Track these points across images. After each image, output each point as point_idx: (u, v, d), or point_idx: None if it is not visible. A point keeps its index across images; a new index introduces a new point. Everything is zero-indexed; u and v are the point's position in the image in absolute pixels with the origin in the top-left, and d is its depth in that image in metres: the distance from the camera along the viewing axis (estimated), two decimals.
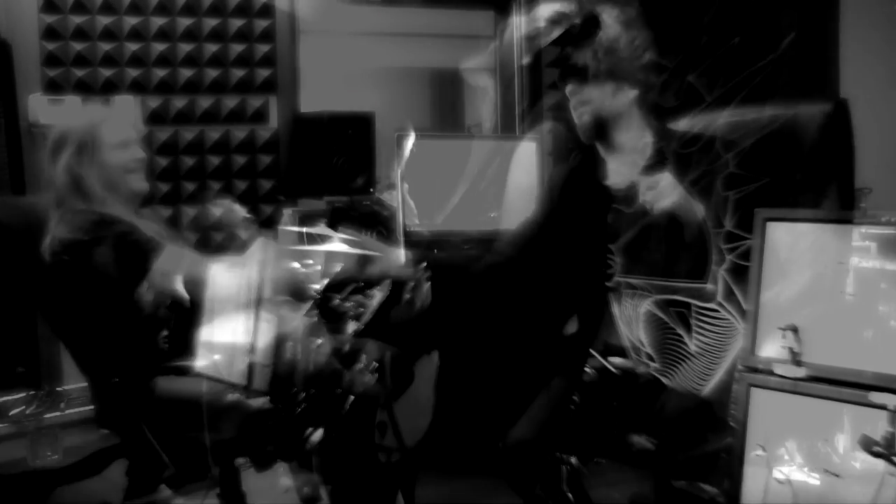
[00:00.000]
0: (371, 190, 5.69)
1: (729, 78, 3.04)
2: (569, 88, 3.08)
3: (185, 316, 3.41)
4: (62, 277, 3.34)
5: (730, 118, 2.97)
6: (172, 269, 3.35)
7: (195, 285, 3.34)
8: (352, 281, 3.49)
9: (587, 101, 3.02)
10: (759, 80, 3.05)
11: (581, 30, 2.88)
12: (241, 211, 3.83)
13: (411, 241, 4.22)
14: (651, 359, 3.05)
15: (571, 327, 3.30)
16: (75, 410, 4.89)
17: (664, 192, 2.90)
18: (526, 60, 2.65)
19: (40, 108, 5.35)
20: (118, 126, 3.70)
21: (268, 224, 5.82)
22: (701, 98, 3.03)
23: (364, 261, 3.34)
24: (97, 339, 3.45)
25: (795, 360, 2.62)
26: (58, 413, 4.98)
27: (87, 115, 3.85)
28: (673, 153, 2.99)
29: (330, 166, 5.60)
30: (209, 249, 4.86)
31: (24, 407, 4.96)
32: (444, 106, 7.34)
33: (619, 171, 3.14)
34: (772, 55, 3.02)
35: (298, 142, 5.81)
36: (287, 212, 5.46)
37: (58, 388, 5.09)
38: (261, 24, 5.89)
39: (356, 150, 5.67)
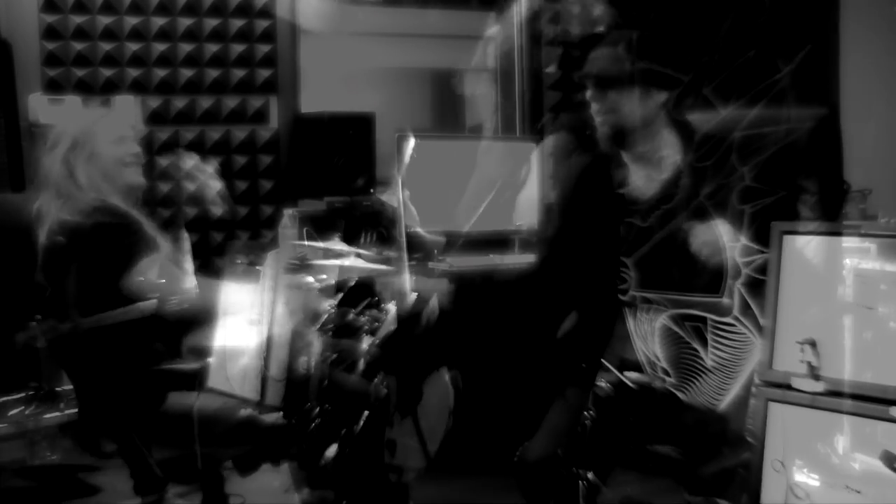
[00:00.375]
0: (371, 190, 5.68)
1: (745, 90, 3.03)
2: (590, 94, 3.05)
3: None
4: (53, 260, 3.32)
5: (746, 131, 2.96)
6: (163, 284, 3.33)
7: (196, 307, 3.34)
8: (367, 295, 3.49)
9: (612, 109, 3.00)
10: (776, 92, 3.04)
11: (604, 35, 2.87)
12: (215, 184, 3.80)
13: (413, 245, 4.20)
14: (667, 374, 3.05)
15: (567, 324, 3.30)
16: (75, 411, 4.87)
17: (715, 246, 2.89)
18: (551, 68, 2.64)
19: (40, 107, 5.32)
20: (114, 122, 3.75)
21: (268, 224, 5.83)
22: (717, 111, 3.02)
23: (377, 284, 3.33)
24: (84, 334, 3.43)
25: (814, 374, 2.61)
26: (57, 413, 4.96)
27: (84, 114, 3.85)
28: (689, 167, 2.98)
29: (330, 167, 5.59)
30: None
31: (23, 407, 4.94)
32: (444, 106, 7.32)
33: (638, 181, 3.13)
34: (788, 67, 3.01)
35: (299, 142, 5.80)
36: (287, 212, 5.43)
37: (57, 389, 5.07)
38: (261, 24, 5.89)
39: (356, 150, 5.66)
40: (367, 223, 5.21)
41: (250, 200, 5.88)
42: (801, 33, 3.17)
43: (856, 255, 2.68)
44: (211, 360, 3.15)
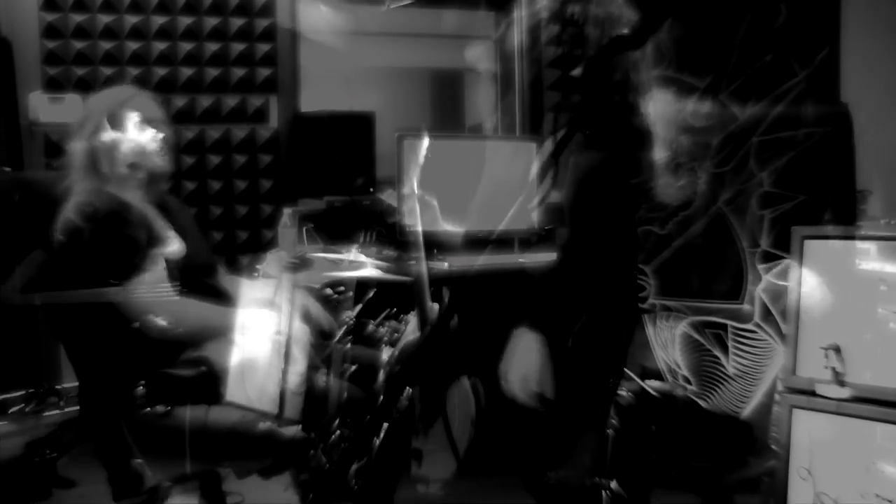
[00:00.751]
0: (371, 190, 5.67)
1: (762, 95, 3.02)
2: (644, 99, 3.04)
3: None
4: (57, 257, 3.26)
5: (764, 136, 2.96)
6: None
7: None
8: (386, 306, 3.47)
9: (666, 113, 2.99)
10: (794, 96, 3.04)
11: (629, 37, 2.84)
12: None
13: (431, 244, 4.17)
14: (688, 381, 3.04)
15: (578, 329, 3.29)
16: (74, 409, 4.87)
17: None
18: (576, 72, 2.62)
19: (40, 106, 5.34)
20: (144, 104, 3.58)
21: (268, 223, 5.82)
22: (734, 116, 3.01)
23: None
24: (81, 333, 3.39)
25: (839, 380, 2.61)
26: (57, 411, 4.96)
27: (113, 92, 3.72)
28: (707, 173, 2.98)
29: (330, 166, 5.58)
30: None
31: (23, 405, 4.94)
32: (445, 106, 7.33)
33: (656, 188, 3.12)
34: (805, 70, 3.01)
35: (298, 141, 5.80)
36: (287, 211, 5.42)
37: (57, 387, 5.07)
38: (262, 23, 5.89)
39: (356, 149, 5.66)
40: (369, 223, 5.21)
41: (250, 199, 5.87)
42: (817, 37, 3.15)
43: (878, 258, 2.68)
44: (206, 368, 3.11)
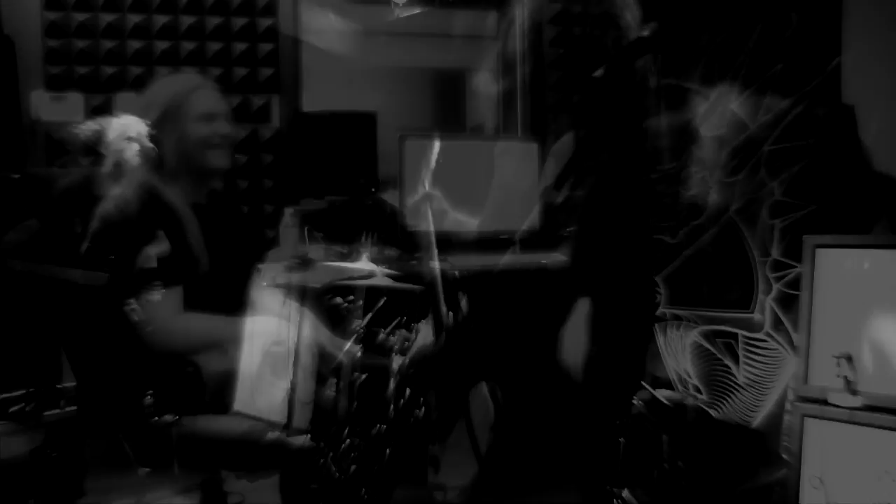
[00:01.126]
0: (373, 189, 5.67)
1: (773, 104, 3.03)
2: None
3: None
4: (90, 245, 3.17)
5: (775, 145, 2.97)
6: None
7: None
8: (397, 314, 3.45)
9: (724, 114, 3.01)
10: (805, 105, 3.05)
11: (649, 39, 2.85)
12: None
13: (445, 244, 4.14)
14: (698, 391, 3.05)
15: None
16: (75, 408, 4.86)
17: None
18: (599, 73, 2.60)
19: (42, 104, 5.33)
20: (208, 97, 3.47)
21: (269, 223, 5.81)
22: (745, 126, 3.02)
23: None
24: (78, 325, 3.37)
25: (851, 388, 2.62)
26: (58, 410, 4.94)
27: (178, 80, 3.61)
28: (718, 182, 2.99)
29: (332, 165, 5.58)
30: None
31: (23, 404, 4.92)
32: (446, 106, 7.32)
33: (684, 198, 3.13)
34: (816, 80, 3.02)
35: (300, 141, 5.78)
36: (289, 211, 5.41)
37: (57, 386, 5.05)
38: (264, 22, 5.86)
39: (358, 149, 5.65)
40: (371, 222, 5.21)
41: (252, 199, 5.86)
42: (827, 46, 3.16)
43: (888, 265, 2.69)
44: (192, 370, 3.09)
